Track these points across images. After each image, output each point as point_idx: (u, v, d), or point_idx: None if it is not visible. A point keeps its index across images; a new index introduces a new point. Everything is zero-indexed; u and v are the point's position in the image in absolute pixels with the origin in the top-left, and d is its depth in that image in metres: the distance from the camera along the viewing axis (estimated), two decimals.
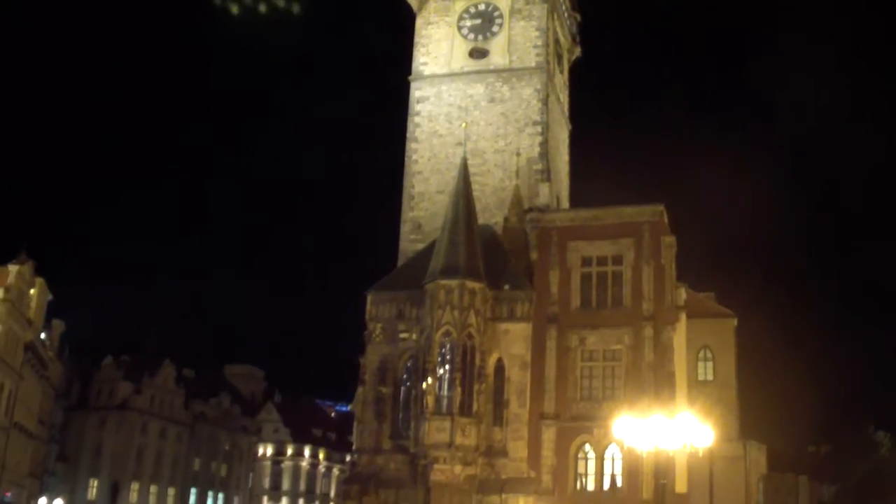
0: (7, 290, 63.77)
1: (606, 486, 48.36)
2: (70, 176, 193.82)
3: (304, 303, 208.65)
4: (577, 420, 48.90)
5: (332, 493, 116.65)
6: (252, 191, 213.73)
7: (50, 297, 75.39)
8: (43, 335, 76.88)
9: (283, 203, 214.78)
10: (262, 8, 19.63)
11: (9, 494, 68.54)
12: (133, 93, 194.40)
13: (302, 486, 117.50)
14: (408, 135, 60.42)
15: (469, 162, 54.44)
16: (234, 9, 19.43)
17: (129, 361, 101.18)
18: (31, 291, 70.27)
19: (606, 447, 47.90)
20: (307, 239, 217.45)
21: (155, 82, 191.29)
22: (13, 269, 65.16)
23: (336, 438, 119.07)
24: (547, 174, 57.07)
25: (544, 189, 56.14)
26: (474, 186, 54.16)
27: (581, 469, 49.01)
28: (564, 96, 65.70)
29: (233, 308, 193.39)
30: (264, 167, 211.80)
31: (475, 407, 48.59)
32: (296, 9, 20.07)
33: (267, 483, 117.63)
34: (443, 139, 59.48)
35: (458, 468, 47.79)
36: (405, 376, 51.84)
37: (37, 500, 76.05)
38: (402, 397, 51.61)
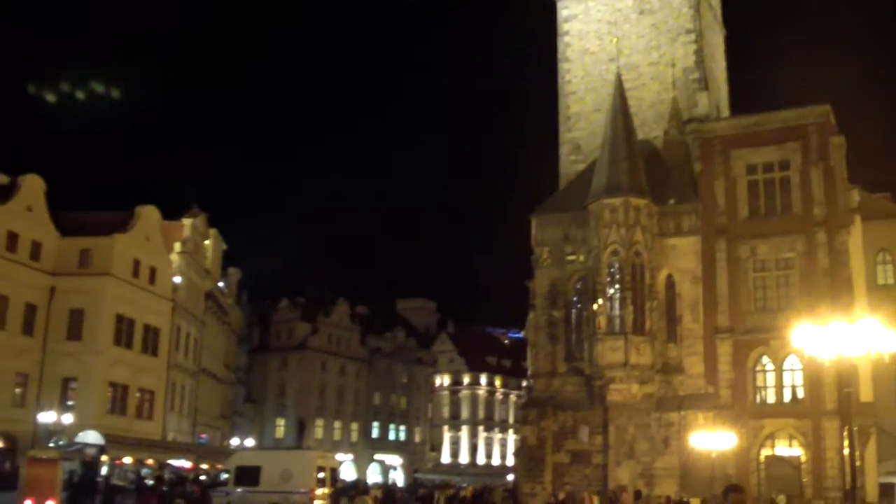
0: (184, 242, 66.23)
1: (787, 398, 47.42)
2: (235, 127, 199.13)
3: (471, 232, 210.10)
4: (752, 332, 47.90)
5: (511, 419, 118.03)
6: (412, 121, 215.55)
7: (224, 246, 78.01)
8: (221, 283, 79.70)
9: (437, 132, 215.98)
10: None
11: (204, 436, 71.76)
12: (289, 47, 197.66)
13: (480, 414, 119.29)
14: (559, 55, 59.56)
15: (623, 77, 53.33)
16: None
17: (305, 302, 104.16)
18: (206, 242, 72.83)
19: (785, 358, 46.79)
20: (468, 166, 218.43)
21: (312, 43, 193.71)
22: (187, 222, 67.54)
23: (511, 365, 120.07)
24: (704, 83, 55.48)
25: (702, 98, 54.60)
26: (630, 101, 53.24)
27: (760, 382, 48.13)
28: (716, 0, 63.48)
29: (401, 242, 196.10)
30: (418, 97, 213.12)
31: (648, 325, 48.24)
32: (115, 94, 19.66)
33: (446, 413, 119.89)
34: (594, 56, 58.36)
35: (634, 387, 47.67)
36: (575, 298, 51.75)
37: (229, 441, 79.28)
38: (573, 320, 51.62)
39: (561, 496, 43.33)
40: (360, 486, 25.84)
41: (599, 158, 51.31)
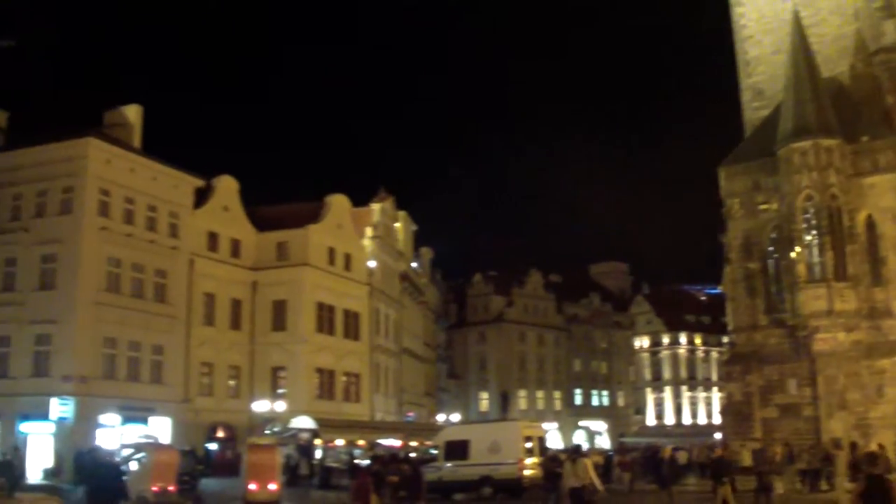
0: (374, 227, 67.65)
1: None
2: (412, 110, 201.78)
3: (655, 190, 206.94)
4: None
5: (714, 377, 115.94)
6: (583, 79, 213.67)
7: (414, 227, 79.27)
8: (414, 264, 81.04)
9: (615, 97, 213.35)
10: None
11: (411, 414, 73.20)
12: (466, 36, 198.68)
13: (682, 374, 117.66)
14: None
15: (801, 14, 51.24)
16: None
17: (498, 275, 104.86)
18: (396, 225, 74.16)
19: None
20: (646, 121, 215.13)
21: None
22: (376, 206, 68.95)
23: (710, 321, 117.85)
24: (890, 10, 52.62)
25: (889, 26, 51.64)
26: (811, 39, 51.09)
27: None
28: None
29: (589, 208, 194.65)
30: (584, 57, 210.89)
31: (850, 269, 46.49)
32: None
33: (647, 374, 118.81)
34: None
35: (840, 335, 46.04)
36: (771, 248, 50.27)
37: (435, 418, 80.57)
38: (771, 270, 50.18)
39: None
40: (580, 451, 25.99)
41: (784, 102, 49.60)
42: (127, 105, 54.86)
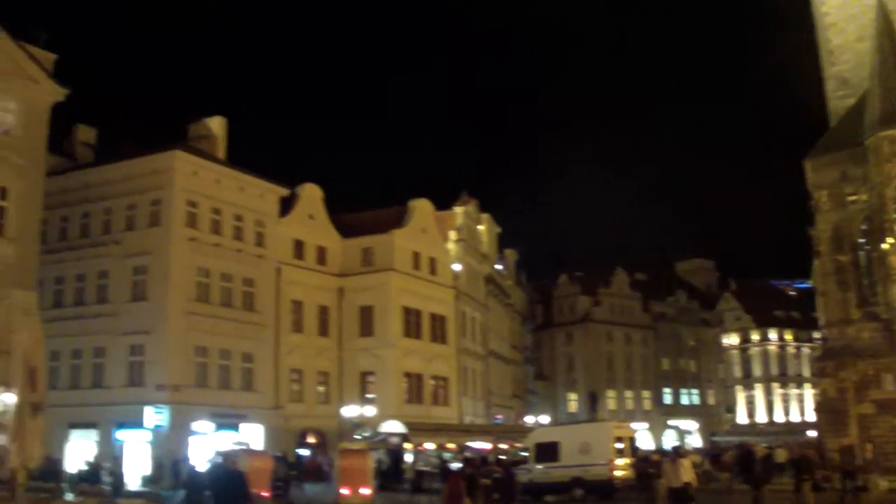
0: (458, 230, 67.79)
1: None
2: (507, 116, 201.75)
3: (738, 186, 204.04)
4: None
5: (806, 373, 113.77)
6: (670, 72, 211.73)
7: (498, 229, 79.26)
8: (499, 266, 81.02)
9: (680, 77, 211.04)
10: None
11: (499, 417, 73.20)
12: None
13: (773, 371, 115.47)
14: None
15: None
16: None
17: (583, 276, 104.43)
18: (480, 227, 74.22)
19: None
20: (728, 115, 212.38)
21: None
22: (459, 210, 69.11)
23: (800, 317, 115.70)
24: None
25: None
26: None
27: None
28: None
29: (670, 205, 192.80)
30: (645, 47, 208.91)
31: None
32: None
33: (737, 372, 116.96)
34: None
35: None
36: (862, 240, 49.01)
37: (523, 419, 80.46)
38: (862, 262, 49.00)
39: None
40: (679, 451, 25.83)
41: (869, 90, 48.43)
42: (211, 117, 55.87)
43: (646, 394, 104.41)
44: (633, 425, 50.17)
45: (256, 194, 53.73)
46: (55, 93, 41.75)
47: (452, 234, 67.27)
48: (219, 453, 38.29)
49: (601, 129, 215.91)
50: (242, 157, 58.31)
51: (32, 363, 16.90)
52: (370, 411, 54.62)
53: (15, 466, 16.90)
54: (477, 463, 35.67)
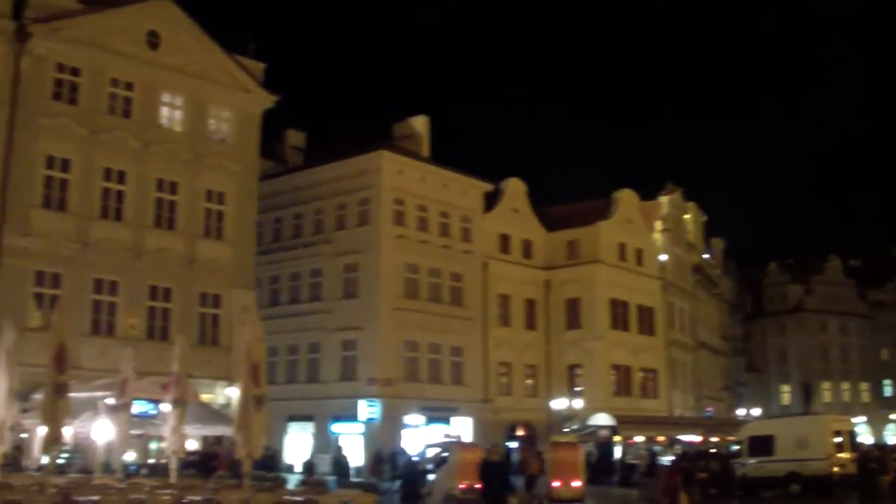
0: (663, 220, 66.89)
1: None
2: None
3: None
4: None
5: None
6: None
7: (704, 217, 77.80)
8: (706, 255, 79.57)
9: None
10: None
11: (709, 410, 71.82)
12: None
13: None
14: None
15: None
16: None
17: (793, 263, 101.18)
18: (685, 217, 73.05)
19: None
20: None
21: None
22: (664, 199, 68.18)
23: None
24: None
25: None
26: None
27: None
28: None
29: (884, 184, 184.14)
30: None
31: None
32: None
33: None
34: None
35: None
36: None
37: (734, 412, 78.76)
38: None
39: None
40: None
41: None
42: (414, 116, 56.91)
43: (864, 386, 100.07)
44: (852, 419, 48.38)
45: (461, 190, 54.38)
46: (265, 100, 43.66)
47: (658, 224, 66.41)
48: (399, 449, 39.43)
49: (802, 109, 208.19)
50: (445, 153, 59.15)
51: (255, 359, 17.60)
52: (578, 404, 54.60)
53: (241, 456, 17.67)
54: (693, 456, 35.15)
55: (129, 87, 38.88)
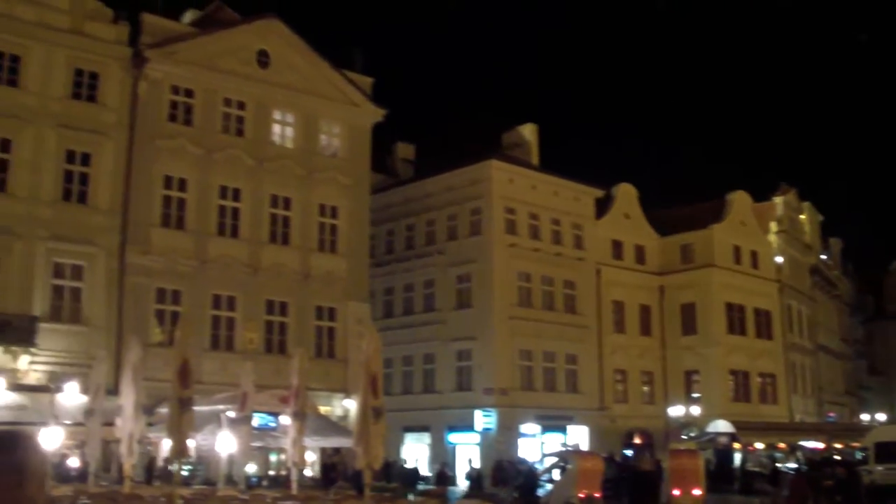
0: (778, 221, 65.72)
1: None
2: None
3: None
4: None
5: None
6: None
7: (820, 217, 76.17)
8: (823, 256, 77.85)
9: None
10: None
11: (832, 415, 70.20)
12: None
13: None
14: None
15: None
16: None
17: None
18: (801, 217, 71.71)
19: None
20: None
21: None
22: (778, 200, 66.99)
23: None
24: None
25: None
26: None
27: None
28: None
29: None
30: None
31: None
32: None
33: None
34: None
35: None
36: None
37: (858, 417, 76.76)
38: None
39: None
40: None
41: None
42: (523, 125, 56.98)
43: None
44: None
45: (571, 197, 54.21)
46: (374, 114, 44.20)
47: (773, 226, 65.26)
48: (514, 458, 39.28)
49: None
50: (554, 161, 58.98)
51: (373, 370, 17.77)
52: (696, 410, 53.84)
53: (362, 467, 17.88)
54: (818, 463, 34.47)
55: (241, 106, 39.88)
